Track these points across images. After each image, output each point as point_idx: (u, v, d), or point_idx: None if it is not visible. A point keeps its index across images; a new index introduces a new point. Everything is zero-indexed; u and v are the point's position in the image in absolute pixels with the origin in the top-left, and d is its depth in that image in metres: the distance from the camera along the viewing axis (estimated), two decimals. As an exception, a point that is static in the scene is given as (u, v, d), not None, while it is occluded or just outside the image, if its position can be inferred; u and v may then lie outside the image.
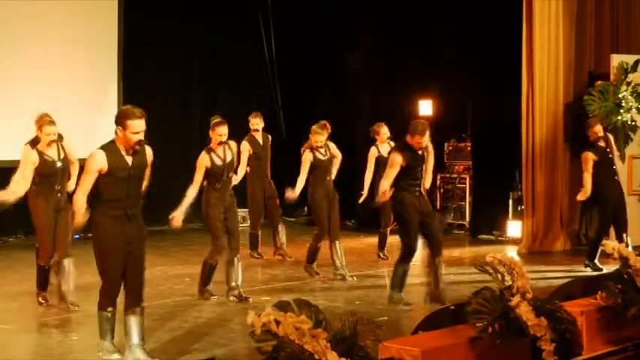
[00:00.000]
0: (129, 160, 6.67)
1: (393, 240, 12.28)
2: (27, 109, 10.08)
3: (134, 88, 14.09)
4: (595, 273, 9.97)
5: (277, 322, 3.98)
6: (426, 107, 14.37)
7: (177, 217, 8.72)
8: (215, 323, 8.10)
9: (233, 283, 9.15)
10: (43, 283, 8.93)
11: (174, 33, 14.68)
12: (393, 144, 10.67)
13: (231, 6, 15.58)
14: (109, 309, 6.78)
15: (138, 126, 6.60)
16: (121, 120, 6.63)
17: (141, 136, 6.63)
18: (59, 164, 8.85)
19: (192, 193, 8.96)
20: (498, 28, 13.19)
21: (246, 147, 11.50)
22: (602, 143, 10.79)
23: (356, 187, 11.84)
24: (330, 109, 14.45)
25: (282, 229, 11.90)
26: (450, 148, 14.65)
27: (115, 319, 6.83)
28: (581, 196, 10.82)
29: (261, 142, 11.76)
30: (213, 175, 9.13)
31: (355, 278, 10.32)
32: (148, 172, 6.99)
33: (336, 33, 15.48)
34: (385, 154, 10.84)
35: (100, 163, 6.57)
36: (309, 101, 15.32)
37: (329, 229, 10.41)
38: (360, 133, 12.18)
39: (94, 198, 6.68)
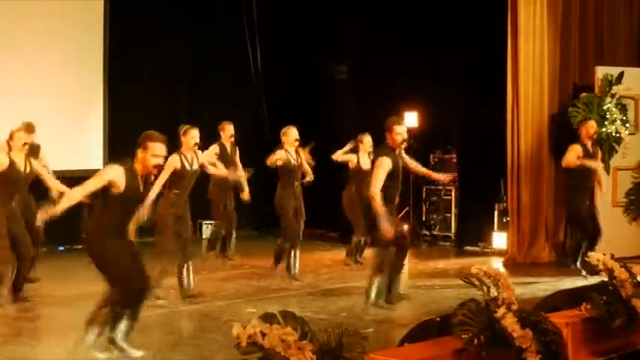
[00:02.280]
0: (141, 185, 6.71)
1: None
2: (7, 120, 10.02)
3: (119, 99, 14.05)
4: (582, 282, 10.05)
5: (263, 334, 3.98)
6: (411, 119, 14.40)
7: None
8: (199, 335, 8.09)
9: (187, 287, 9.44)
10: None
11: (160, 42, 14.65)
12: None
13: (217, 14, 15.60)
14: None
15: (158, 149, 6.70)
16: (142, 141, 6.70)
17: (160, 161, 6.69)
18: (23, 174, 9.17)
19: (151, 194, 9.12)
20: (484, 40, 13.23)
21: (215, 150, 11.57)
22: (589, 146, 10.85)
23: (339, 199, 11.88)
24: (316, 120, 14.47)
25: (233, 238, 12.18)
26: (436, 159, 14.68)
27: None
28: (597, 164, 10.91)
29: (229, 151, 11.81)
30: (178, 178, 9.25)
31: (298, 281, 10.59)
32: None
33: (322, 43, 15.51)
34: (364, 166, 10.95)
35: (117, 176, 6.57)
36: (295, 112, 15.33)
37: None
38: (345, 145, 12.21)
39: (100, 210, 6.70)
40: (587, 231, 10.92)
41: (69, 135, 13.07)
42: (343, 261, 12.02)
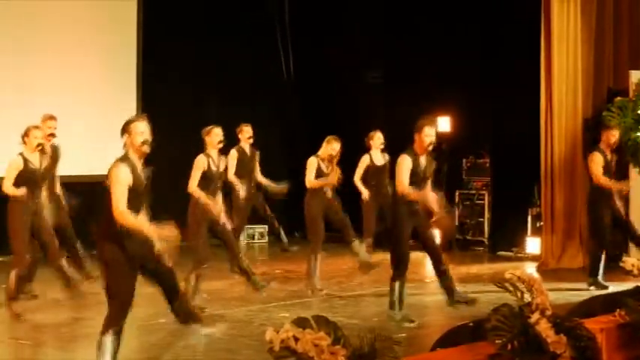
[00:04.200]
0: (142, 173, 6.62)
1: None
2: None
3: (152, 100, 14.08)
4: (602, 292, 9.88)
5: (296, 339, 3.98)
6: (444, 124, 14.37)
7: None
8: (232, 339, 8.10)
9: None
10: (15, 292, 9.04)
11: (193, 43, 14.78)
12: (386, 155, 11.15)
13: (249, 14, 15.67)
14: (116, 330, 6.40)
15: (140, 127, 6.52)
16: (125, 128, 6.57)
17: (147, 136, 6.52)
18: (40, 171, 9.19)
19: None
20: (517, 44, 13.19)
21: (234, 155, 11.58)
22: (608, 153, 10.70)
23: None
24: (347, 125, 14.50)
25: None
26: (469, 164, 14.64)
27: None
28: (627, 186, 10.74)
29: (248, 154, 11.81)
30: (205, 179, 9.26)
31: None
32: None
33: (355, 49, 15.51)
34: (377, 162, 11.02)
35: (128, 175, 6.36)
36: (327, 117, 15.35)
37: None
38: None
39: (107, 214, 6.34)
40: (605, 241, 10.75)
41: (100, 140, 13.11)
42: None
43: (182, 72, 14.71)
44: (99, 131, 13.02)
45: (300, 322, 4.15)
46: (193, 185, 9.21)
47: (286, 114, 16.25)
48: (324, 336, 4.03)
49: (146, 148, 6.52)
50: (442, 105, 14.34)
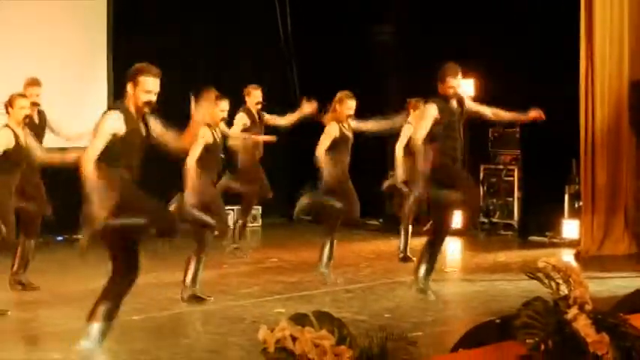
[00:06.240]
0: (141, 125, 6.76)
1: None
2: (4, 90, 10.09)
3: (126, 66, 14.12)
4: None
5: (294, 338, 3.99)
6: (467, 87, 14.33)
7: None
8: (219, 339, 8.13)
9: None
10: None
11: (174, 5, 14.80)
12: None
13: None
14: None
15: (151, 84, 6.68)
16: (133, 75, 6.71)
17: (152, 97, 6.70)
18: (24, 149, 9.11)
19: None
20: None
21: (243, 120, 11.70)
22: None
23: (382, 178, 11.90)
24: (355, 88, 14.49)
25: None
26: (495, 134, 14.60)
27: None
28: None
29: (257, 120, 11.92)
30: (207, 152, 9.39)
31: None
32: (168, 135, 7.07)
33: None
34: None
35: (116, 126, 6.59)
36: (331, 80, 15.33)
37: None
38: (389, 116, 12.23)
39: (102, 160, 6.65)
40: None
41: (70, 100, 13.14)
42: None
43: (160, 29, 14.72)
44: (66, 96, 13.08)
45: (299, 319, 4.16)
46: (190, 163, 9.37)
47: (282, 76, 16.26)
48: (327, 335, 4.05)
49: (147, 110, 6.65)
50: (464, 66, 14.28)
